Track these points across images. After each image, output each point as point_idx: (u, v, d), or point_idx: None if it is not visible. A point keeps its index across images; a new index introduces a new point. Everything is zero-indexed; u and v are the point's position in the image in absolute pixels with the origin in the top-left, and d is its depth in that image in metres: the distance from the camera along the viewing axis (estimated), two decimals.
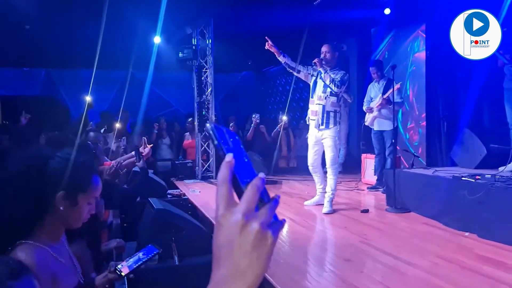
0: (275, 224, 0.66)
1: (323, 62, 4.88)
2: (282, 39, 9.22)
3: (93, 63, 8.01)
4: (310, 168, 5.15)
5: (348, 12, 7.02)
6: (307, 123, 5.13)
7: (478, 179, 4.11)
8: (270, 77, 13.10)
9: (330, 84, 4.84)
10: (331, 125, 4.89)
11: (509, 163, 4.67)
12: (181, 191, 6.08)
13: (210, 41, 7.77)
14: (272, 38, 9.11)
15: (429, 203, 4.67)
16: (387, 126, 6.06)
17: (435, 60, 6.54)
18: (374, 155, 6.58)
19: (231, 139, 0.70)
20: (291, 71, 5.19)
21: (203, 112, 7.61)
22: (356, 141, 8.69)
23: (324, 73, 4.87)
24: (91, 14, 6.97)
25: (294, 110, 11.38)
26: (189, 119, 8.77)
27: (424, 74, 6.78)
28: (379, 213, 5.08)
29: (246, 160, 0.69)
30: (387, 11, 6.82)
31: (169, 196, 5.41)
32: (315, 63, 4.90)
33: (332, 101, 4.89)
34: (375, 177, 6.54)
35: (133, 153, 3.73)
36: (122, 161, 3.59)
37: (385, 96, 5.97)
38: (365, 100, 6.48)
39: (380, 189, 6.19)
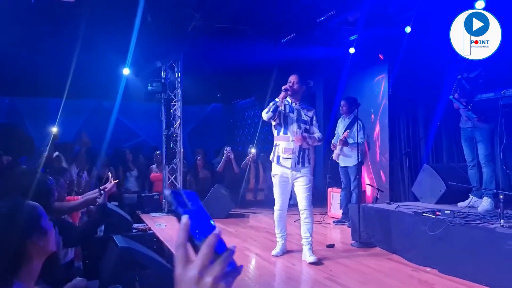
0: (232, 273, 0.73)
1: (289, 93, 4.49)
2: (251, 75, 9.47)
3: (59, 92, 7.92)
4: (279, 213, 4.64)
5: (315, 50, 7.27)
6: (276, 162, 4.57)
7: (438, 215, 4.25)
8: (239, 110, 13.24)
9: (317, 137, 4.56)
10: (306, 163, 4.54)
11: (467, 199, 4.88)
12: (146, 225, 5.97)
13: (179, 75, 7.84)
14: (241, 73, 9.34)
15: (393, 238, 4.77)
16: (350, 162, 6.27)
17: (397, 97, 6.81)
18: (340, 189, 6.71)
19: (190, 201, 0.79)
20: (271, 119, 4.51)
21: (171, 145, 7.59)
22: (322, 175, 8.82)
23: (303, 111, 4.55)
24: (60, 43, 6.96)
25: (263, 142, 11.47)
26: (157, 152, 8.71)
27: (387, 110, 7.02)
28: (344, 248, 5.14)
29: (205, 216, 0.77)
30: (351, 50, 7.10)
31: (134, 230, 5.30)
32: (286, 89, 4.45)
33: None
34: (341, 211, 6.65)
35: (96, 190, 3.66)
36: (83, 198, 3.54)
37: (341, 138, 6.22)
38: (335, 133, 6.68)
39: (346, 223, 6.27)
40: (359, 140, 5.81)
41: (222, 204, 7.18)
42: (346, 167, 6.42)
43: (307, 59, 7.50)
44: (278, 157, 4.53)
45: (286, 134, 4.51)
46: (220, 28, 6.58)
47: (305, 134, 4.49)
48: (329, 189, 7.22)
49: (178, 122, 7.89)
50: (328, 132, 7.24)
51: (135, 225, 5.67)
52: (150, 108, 9.90)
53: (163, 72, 7.83)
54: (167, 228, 6.17)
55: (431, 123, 6.12)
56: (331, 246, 5.10)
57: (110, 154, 8.99)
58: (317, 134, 4.59)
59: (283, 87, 4.48)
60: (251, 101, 12.35)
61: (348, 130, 6.12)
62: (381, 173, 7.22)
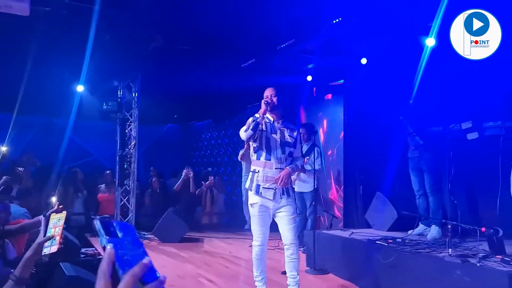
0: None
1: (268, 109, 3.81)
2: (209, 97, 9.46)
3: (6, 106, 7.53)
4: (260, 249, 3.91)
5: (274, 76, 7.36)
6: (255, 191, 3.81)
7: (390, 243, 4.36)
8: (196, 131, 13.16)
9: (300, 165, 4.02)
10: (291, 192, 3.93)
11: (416, 227, 5.04)
12: (96, 249, 5.71)
13: (136, 95, 7.70)
14: (200, 95, 9.32)
15: (346, 265, 4.83)
16: (305, 188, 6.32)
17: (353, 125, 6.99)
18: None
19: (122, 232, 0.77)
20: (251, 139, 3.82)
21: (125, 166, 7.39)
22: None
23: (286, 131, 3.89)
24: (10, 56, 6.66)
25: (219, 165, 11.43)
26: (107, 172, 8.45)
27: (342, 138, 7.19)
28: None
29: (140, 249, 0.76)
30: (309, 78, 7.27)
31: (82, 256, 5.05)
32: (268, 101, 3.78)
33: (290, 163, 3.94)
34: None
35: (39, 218, 3.36)
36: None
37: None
38: None
39: (300, 249, 6.27)
40: (316, 167, 5.89)
41: (176, 228, 7.03)
42: (302, 193, 6.47)
43: (266, 84, 7.58)
44: (258, 186, 3.79)
45: (269, 160, 3.79)
46: (181, 50, 6.56)
47: (288, 169, 3.80)
48: None
49: (133, 143, 7.71)
50: None
51: (83, 250, 5.40)
52: (105, 127, 9.63)
53: (120, 91, 7.67)
54: None
55: (385, 151, 6.30)
56: (285, 273, 5.07)
57: (60, 173, 8.62)
58: (300, 161, 4.01)
59: (263, 101, 3.81)
60: (208, 123, 12.32)
61: (308, 157, 6.19)
62: (336, 200, 7.35)
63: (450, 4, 4.24)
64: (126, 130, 7.67)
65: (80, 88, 7.76)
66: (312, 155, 5.95)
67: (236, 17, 5.54)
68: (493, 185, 4.16)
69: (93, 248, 5.91)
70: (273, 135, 3.83)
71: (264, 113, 3.79)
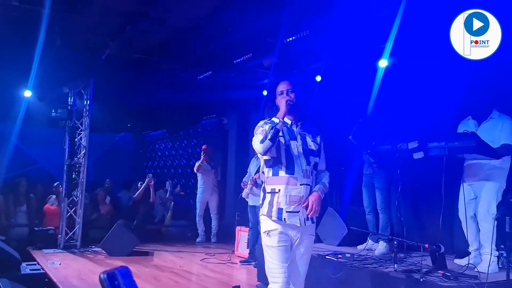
0: None
1: (288, 108, 2.92)
2: (164, 107, 9.34)
3: None
4: None
5: (230, 89, 7.40)
6: (276, 217, 2.82)
7: (340, 257, 4.43)
8: (149, 141, 12.95)
9: (327, 183, 2.99)
10: (314, 217, 2.92)
11: (366, 242, 5.17)
12: (37, 263, 5.45)
13: (88, 103, 7.45)
14: (154, 105, 9.19)
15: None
16: (259, 202, 6.30)
17: None
18: (248, 228, 6.72)
19: (124, 285, 0.92)
20: (269, 151, 2.82)
21: (73, 176, 7.11)
22: (232, 212, 8.82)
23: (308, 136, 2.99)
24: None
25: (172, 176, 11.26)
26: (56, 183, 8.10)
27: None
28: None
29: None
30: (265, 92, 7.35)
31: (28, 270, 4.82)
32: (290, 101, 2.92)
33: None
34: (248, 250, 6.64)
35: None
36: None
37: (252, 177, 6.26)
38: (248, 171, 6.71)
39: (252, 263, 6.26)
40: None
41: (125, 241, 6.81)
42: (254, 206, 6.46)
43: (222, 96, 7.61)
44: (280, 210, 2.83)
45: (293, 174, 2.83)
46: (136, 59, 6.45)
47: (318, 193, 2.84)
48: (237, 228, 7.20)
49: (82, 152, 7.45)
50: (241, 169, 7.28)
51: (24, 264, 5.16)
52: (53, 135, 9.26)
53: (70, 99, 7.40)
54: (61, 266, 5.69)
55: (339, 168, 6.42)
56: (236, 287, 5.04)
57: (1, 181, 8.17)
58: (326, 178, 3.02)
59: (285, 99, 2.93)
60: (162, 133, 12.15)
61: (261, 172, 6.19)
62: None
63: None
64: (76, 139, 7.40)
65: (27, 93, 7.44)
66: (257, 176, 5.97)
67: (193, 29, 5.53)
68: (437, 203, 4.33)
69: (35, 262, 5.65)
70: (292, 142, 2.92)
71: (284, 116, 2.93)
